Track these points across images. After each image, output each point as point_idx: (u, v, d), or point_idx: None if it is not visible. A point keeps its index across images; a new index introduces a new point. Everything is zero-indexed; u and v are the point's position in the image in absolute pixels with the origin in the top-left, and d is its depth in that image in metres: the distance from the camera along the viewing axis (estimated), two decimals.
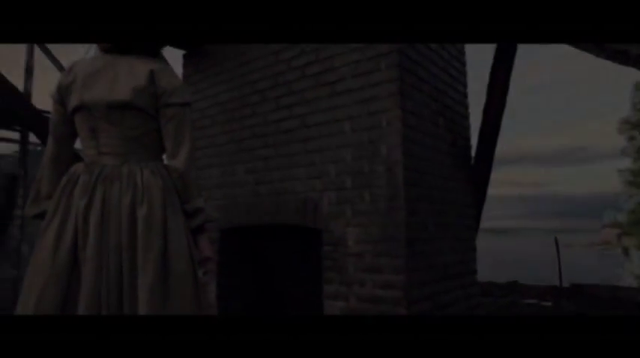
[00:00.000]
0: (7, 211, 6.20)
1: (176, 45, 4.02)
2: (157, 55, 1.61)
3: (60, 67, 7.13)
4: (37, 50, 6.05)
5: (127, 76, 1.46)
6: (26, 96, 5.24)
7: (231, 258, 3.71)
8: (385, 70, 2.79)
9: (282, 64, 3.36)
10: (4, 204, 6.24)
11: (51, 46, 6.79)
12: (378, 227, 2.71)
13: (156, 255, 1.37)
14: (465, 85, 3.62)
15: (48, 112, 7.41)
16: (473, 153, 3.57)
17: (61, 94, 1.50)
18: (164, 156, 1.60)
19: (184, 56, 4.18)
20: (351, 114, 2.92)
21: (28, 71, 5.75)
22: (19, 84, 4.83)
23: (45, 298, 1.31)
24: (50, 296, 1.31)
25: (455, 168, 3.30)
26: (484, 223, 3.77)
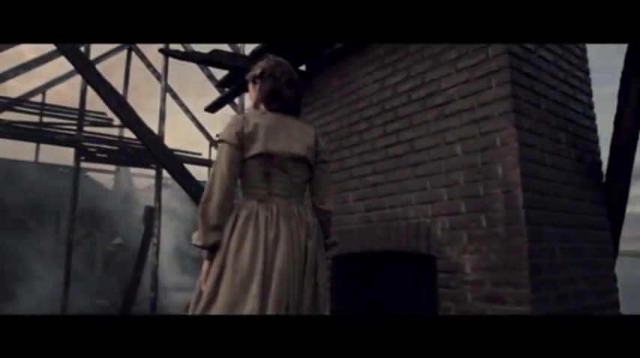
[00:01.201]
0: (146, 240, 6.99)
1: None
2: (299, 115, 1.99)
3: (186, 110, 7.94)
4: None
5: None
6: (160, 137, 5.93)
7: (344, 284, 3.74)
8: (496, 87, 2.66)
9: (387, 90, 3.39)
10: (144, 234, 7.04)
11: (178, 91, 7.64)
12: (498, 253, 2.55)
13: (312, 278, 1.77)
14: (589, 95, 3.30)
15: (178, 151, 8.29)
16: (604, 168, 3.21)
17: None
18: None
19: None
20: (462, 135, 2.82)
21: (162, 116, 6.52)
22: (153, 127, 5.49)
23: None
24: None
25: (583, 187, 3.00)
26: (623, 246, 3.33)
